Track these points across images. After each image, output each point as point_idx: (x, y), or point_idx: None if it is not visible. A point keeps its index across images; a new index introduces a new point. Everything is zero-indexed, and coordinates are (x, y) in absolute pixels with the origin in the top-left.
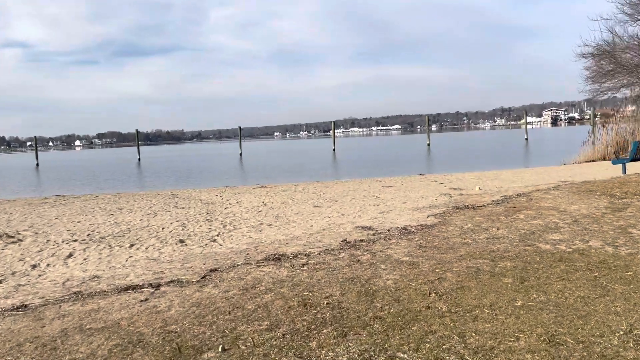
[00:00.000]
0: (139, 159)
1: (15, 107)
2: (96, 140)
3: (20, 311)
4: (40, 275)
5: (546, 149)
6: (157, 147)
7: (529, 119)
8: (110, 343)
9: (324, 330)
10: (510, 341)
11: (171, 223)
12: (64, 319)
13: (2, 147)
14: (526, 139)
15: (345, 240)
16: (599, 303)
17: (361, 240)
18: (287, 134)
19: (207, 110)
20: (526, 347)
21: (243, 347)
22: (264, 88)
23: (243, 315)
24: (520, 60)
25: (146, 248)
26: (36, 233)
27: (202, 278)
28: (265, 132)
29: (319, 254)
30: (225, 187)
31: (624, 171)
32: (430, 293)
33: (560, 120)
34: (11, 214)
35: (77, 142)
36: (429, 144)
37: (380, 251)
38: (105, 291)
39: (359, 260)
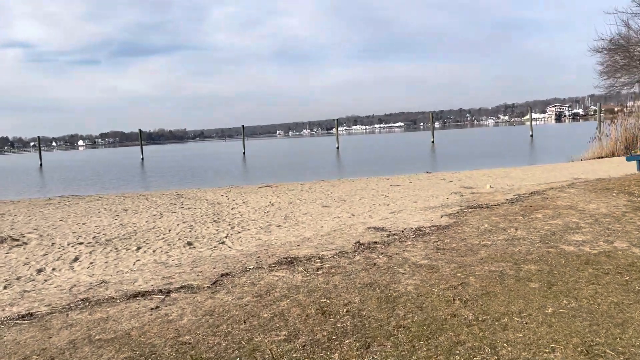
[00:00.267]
0: (142, 159)
1: (18, 108)
2: (99, 140)
3: (26, 320)
4: (46, 281)
5: (552, 145)
6: (160, 146)
7: (532, 116)
8: (121, 356)
9: (346, 341)
10: (546, 352)
11: (178, 224)
12: (72, 328)
13: (6, 148)
14: (531, 135)
15: (358, 242)
16: (634, 309)
17: (375, 242)
18: (290, 132)
19: (209, 109)
20: (563, 359)
21: None
22: (266, 86)
23: (259, 324)
24: (523, 56)
25: (153, 251)
26: (41, 236)
27: (214, 283)
28: (267, 131)
29: (333, 257)
30: (230, 187)
31: None
32: (454, 299)
33: (565, 116)
34: (15, 215)
35: (80, 142)
36: (433, 141)
37: (397, 254)
38: (113, 298)
39: (375, 264)
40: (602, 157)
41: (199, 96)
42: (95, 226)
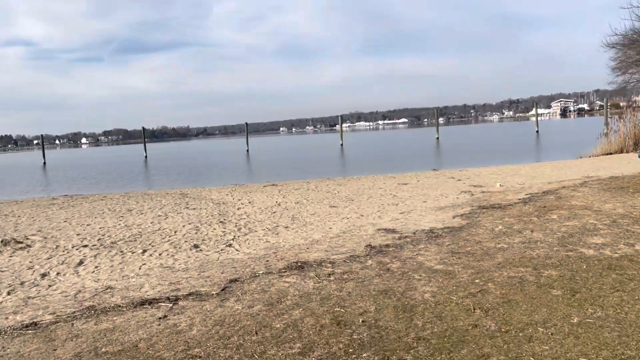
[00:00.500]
0: (146, 157)
1: (21, 106)
2: (102, 137)
3: (30, 330)
4: (50, 286)
5: (559, 141)
6: (163, 144)
7: (538, 111)
8: None
9: (364, 355)
10: None
11: (183, 226)
12: (77, 340)
13: (10, 146)
14: (537, 131)
15: (369, 245)
16: None
17: (387, 245)
18: (293, 129)
19: (212, 106)
20: None
21: None
22: (269, 83)
23: (272, 335)
24: (528, 51)
25: (159, 254)
26: (45, 238)
27: (222, 290)
28: (270, 128)
29: (345, 261)
30: (235, 186)
31: None
32: (474, 308)
33: (570, 111)
34: (19, 216)
35: (84, 140)
36: (437, 138)
37: (410, 258)
38: (120, 306)
39: (388, 269)
40: (611, 154)
41: (202, 93)
42: (100, 228)
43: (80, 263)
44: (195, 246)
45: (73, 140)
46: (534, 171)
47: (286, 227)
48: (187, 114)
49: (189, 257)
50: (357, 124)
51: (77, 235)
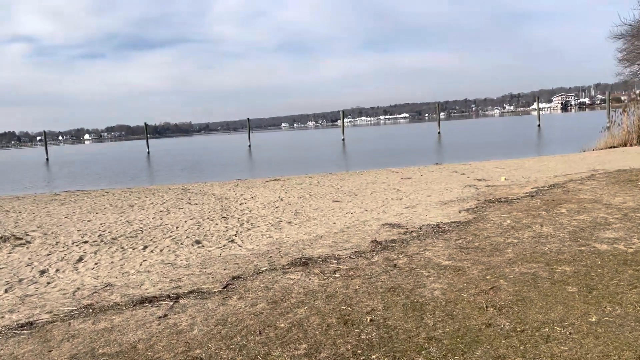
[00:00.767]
0: (148, 152)
1: (24, 102)
2: (105, 133)
3: (26, 330)
4: (49, 283)
5: (561, 135)
6: (166, 139)
7: (539, 105)
8: None
9: (373, 356)
10: None
11: (185, 221)
12: (74, 340)
13: (13, 142)
14: (538, 125)
15: (375, 240)
16: None
17: (393, 241)
18: (295, 125)
19: (214, 102)
20: None
21: None
22: (271, 79)
23: (276, 336)
24: (528, 46)
25: (161, 250)
26: (45, 234)
27: (225, 287)
28: (272, 123)
29: (350, 257)
30: (237, 181)
31: None
32: (487, 306)
33: (571, 105)
34: (20, 212)
35: (87, 136)
36: (439, 132)
37: (417, 253)
38: (118, 304)
39: (395, 265)
40: (614, 147)
41: (203, 89)
42: (101, 223)
43: (80, 259)
44: (197, 242)
45: (76, 136)
46: (538, 165)
47: (289, 223)
48: (189, 109)
49: (191, 253)
50: (358, 119)
51: (78, 231)
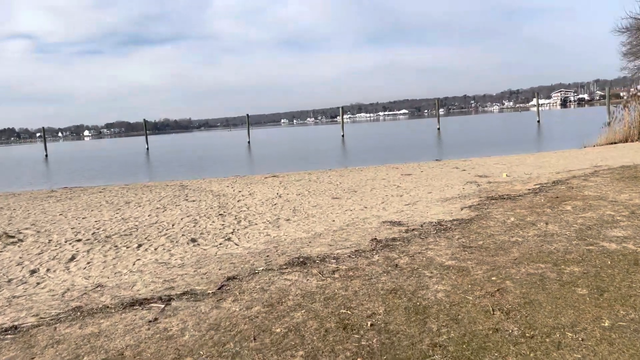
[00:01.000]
0: (148, 149)
1: (24, 99)
2: (105, 130)
3: (9, 334)
4: (38, 284)
5: (562, 131)
6: (165, 136)
7: (538, 101)
8: None
9: None
10: None
11: (182, 219)
12: (58, 346)
13: (12, 139)
14: (538, 121)
15: (375, 238)
16: None
17: (393, 239)
18: (294, 121)
19: (214, 99)
20: None
21: None
22: (270, 75)
23: (271, 342)
24: (527, 42)
25: (155, 249)
26: (38, 232)
27: (219, 289)
28: (272, 119)
29: (349, 256)
30: (236, 177)
31: None
32: (493, 310)
33: (570, 101)
34: (14, 209)
35: (86, 133)
36: (439, 128)
37: (419, 253)
38: (108, 306)
39: (397, 265)
40: (615, 143)
41: (203, 85)
42: (96, 221)
43: (72, 259)
44: (193, 240)
45: (76, 132)
46: (539, 161)
47: (287, 220)
48: (188, 106)
49: (186, 251)
50: (357, 115)
51: (72, 229)
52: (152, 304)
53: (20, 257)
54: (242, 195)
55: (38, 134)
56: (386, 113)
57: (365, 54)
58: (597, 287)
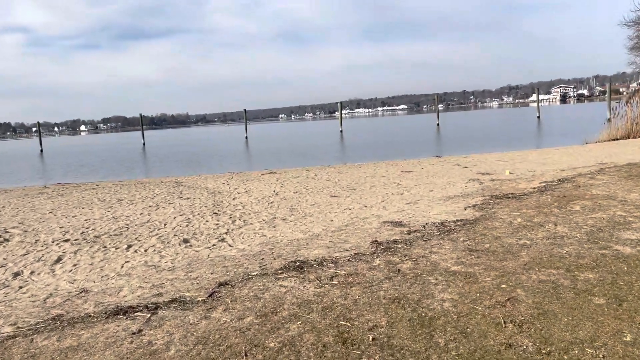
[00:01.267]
0: (144, 144)
1: (20, 93)
2: (101, 125)
3: None
4: (20, 287)
5: (562, 126)
6: (162, 131)
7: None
8: None
9: None
10: None
11: (174, 217)
12: None
13: (8, 133)
14: (538, 117)
15: (375, 240)
16: None
17: (395, 241)
18: (292, 116)
19: (211, 93)
20: None
21: None
22: (268, 70)
23: (264, 358)
24: (526, 37)
25: (145, 250)
26: (25, 231)
27: (210, 296)
28: (270, 115)
29: (349, 260)
30: (232, 173)
31: None
32: (505, 322)
33: (569, 97)
34: (3, 207)
35: (83, 127)
36: (438, 124)
37: (423, 256)
38: (90, 315)
39: (399, 270)
40: (617, 139)
41: (200, 80)
42: (86, 219)
43: (58, 260)
44: (185, 241)
45: (72, 127)
46: (542, 157)
47: (284, 219)
48: (186, 101)
49: (177, 253)
50: (356, 110)
51: (60, 228)
52: (138, 313)
53: (4, 259)
54: (238, 193)
55: (34, 129)
56: (385, 108)
57: (364, 49)
58: (615, 296)
